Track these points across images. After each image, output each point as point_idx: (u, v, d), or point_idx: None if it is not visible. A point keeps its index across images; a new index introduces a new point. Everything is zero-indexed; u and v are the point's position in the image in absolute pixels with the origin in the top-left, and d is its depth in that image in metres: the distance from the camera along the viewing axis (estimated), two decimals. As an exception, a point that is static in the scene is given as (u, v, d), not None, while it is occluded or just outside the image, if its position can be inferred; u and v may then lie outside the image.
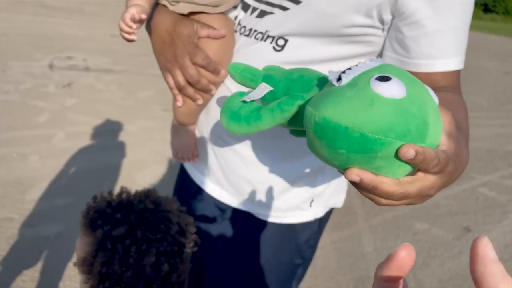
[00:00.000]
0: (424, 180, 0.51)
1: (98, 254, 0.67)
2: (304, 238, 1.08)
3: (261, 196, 1.00)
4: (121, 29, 0.81)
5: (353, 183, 0.50)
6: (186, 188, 1.15)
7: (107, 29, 8.31)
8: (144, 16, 0.80)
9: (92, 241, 0.68)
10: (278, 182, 0.98)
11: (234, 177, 1.00)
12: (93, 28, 8.45)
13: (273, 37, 0.86)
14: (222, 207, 1.05)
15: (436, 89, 0.63)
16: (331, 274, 2.29)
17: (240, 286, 1.10)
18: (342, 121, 0.44)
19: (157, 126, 3.89)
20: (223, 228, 1.07)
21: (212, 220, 1.09)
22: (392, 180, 0.49)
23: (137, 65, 5.94)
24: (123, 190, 0.76)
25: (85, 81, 4.99)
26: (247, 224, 1.03)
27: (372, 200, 0.55)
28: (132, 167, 3.16)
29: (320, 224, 1.10)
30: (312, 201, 1.04)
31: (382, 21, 0.80)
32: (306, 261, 1.15)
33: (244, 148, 0.96)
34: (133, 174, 3.05)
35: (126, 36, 0.82)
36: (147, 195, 0.76)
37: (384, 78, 0.46)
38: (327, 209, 1.09)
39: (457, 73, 0.82)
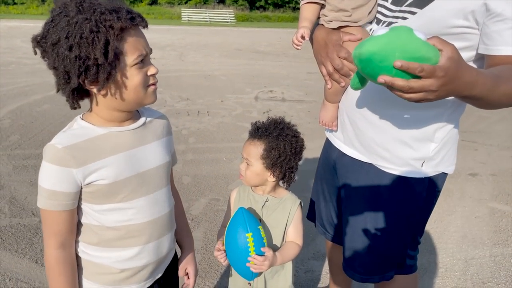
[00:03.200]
0: (424, 81, 0.91)
1: None
2: (416, 191, 1.40)
3: (383, 153, 1.39)
4: (293, 42, 1.39)
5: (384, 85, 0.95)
6: (329, 152, 1.61)
7: (304, 67, 9.44)
8: (307, 37, 1.38)
9: None
10: (397, 144, 1.36)
11: (365, 139, 1.41)
12: (293, 67, 9.71)
13: None
14: (355, 163, 1.47)
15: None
16: (482, 280, 2.32)
17: (368, 220, 1.48)
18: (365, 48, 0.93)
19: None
20: (356, 177, 1.48)
21: (347, 172, 1.52)
22: (402, 80, 0.91)
23: (325, 97, 6.65)
24: None
25: (281, 109, 5.93)
26: (373, 173, 1.43)
27: (400, 96, 0.96)
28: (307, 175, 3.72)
29: (430, 182, 1.40)
30: (424, 162, 1.37)
31: (477, 22, 1.15)
32: (418, 211, 1.44)
33: (373, 117, 1.37)
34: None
35: (295, 47, 1.40)
36: None
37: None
38: (437, 173, 1.39)
39: None
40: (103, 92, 0.96)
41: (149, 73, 0.99)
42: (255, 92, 7.02)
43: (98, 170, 1.00)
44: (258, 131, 1.35)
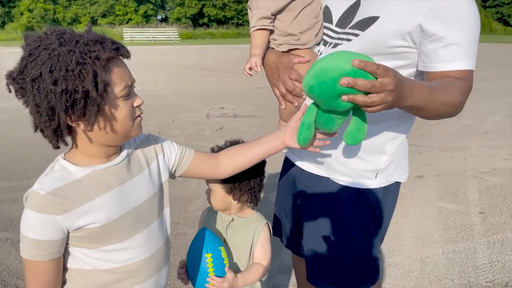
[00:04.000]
0: (383, 79, 0.97)
1: None
2: (372, 201, 1.47)
3: (339, 167, 1.45)
4: (244, 70, 1.45)
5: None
6: (288, 168, 1.66)
7: (253, 83, 9.56)
8: (259, 68, 1.42)
9: None
10: (350, 158, 1.42)
11: (320, 154, 1.47)
12: (242, 83, 9.82)
13: None
14: (313, 178, 1.53)
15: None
16: (438, 277, 2.46)
17: (329, 233, 1.52)
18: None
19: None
20: (315, 191, 1.53)
21: (306, 187, 1.57)
22: (365, 79, 0.96)
23: (276, 111, 6.75)
24: None
25: (233, 125, 5.98)
26: (330, 187, 1.48)
27: (363, 104, 1.00)
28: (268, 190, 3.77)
29: (385, 192, 1.48)
30: (377, 173, 1.44)
31: (414, 42, 1.24)
32: (376, 220, 1.51)
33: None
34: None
35: (246, 75, 1.45)
36: None
37: None
38: (390, 183, 1.47)
39: (466, 72, 1.20)
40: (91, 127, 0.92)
41: (135, 104, 0.97)
42: (206, 110, 7.02)
43: (87, 214, 0.94)
44: None
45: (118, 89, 0.91)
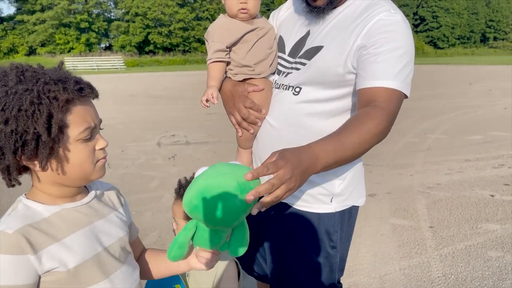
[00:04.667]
0: (278, 174, 0.95)
1: None
2: (329, 225, 1.49)
3: (296, 193, 1.45)
4: (201, 101, 1.47)
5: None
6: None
7: (202, 109, 9.53)
8: (216, 100, 1.45)
9: None
10: (306, 183, 1.44)
11: None
12: (192, 109, 9.77)
13: (293, 86, 1.40)
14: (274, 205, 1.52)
15: (364, 104, 1.18)
16: (398, 295, 2.51)
17: (290, 258, 1.52)
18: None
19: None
20: (275, 217, 1.53)
21: (267, 213, 1.56)
22: (264, 184, 0.94)
23: (228, 136, 6.80)
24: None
25: (186, 153, 5.90)
26: (289, 212, 1.49)
27: (270, 204, 0.98)
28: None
29: (342, 216, 1.50)
30: (332, 197, 1.46)
31: (354, 67, 1.28)
32: (334, 244, 1.52)
33: None
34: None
35: (203, 107, 1.48)
36: None
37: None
38: (347, 207, 1.50)
39: (391, 91, 1.21)
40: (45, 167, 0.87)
41: (97, 147, 0.92)
42: (156, 138, 6.89)
43: (58, 254, 0.87)
44: (181, 190, 1.34)
45: (76, 131, 0.87)
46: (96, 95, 0.92)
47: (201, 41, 44.97)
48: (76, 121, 0.87)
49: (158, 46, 44.18)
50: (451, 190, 4.27)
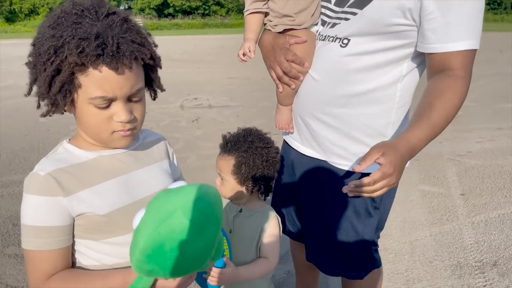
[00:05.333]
0: (383, 169, 1.02)
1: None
2: None
3: (338, 151, 1.40)
4: (238, 56, 1.41)
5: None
6: (287, 153, 1.61)
7: (225, 73, 9.44)
8: (253, 54, 1.39)
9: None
10: (350, 141, 1.38)
11: (319, 139, 1.42)
12: (213, 73, 9.66)
13: (340, 38, 1.31)
14: (312, 162, 1.48)
15: (437, 73, 1.14)
16: (429, 259, 2.48)
17: (328, 217, 1.48)
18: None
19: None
20: (314, 176, 1.49)
21: (306, 171, 1.52)
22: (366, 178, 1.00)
23: (251, 100, 6.73)
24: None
25: (209, 116, 5.86)
26: (330, 171, 1.44)
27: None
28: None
29: None
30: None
31: (414, 20, 1.18)
32: (377, 205, 1.47)
33: (324, 117, 1.38)
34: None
35: (241, 61, 1.43)
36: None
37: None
38: None
39: (466, 52, 1.14)
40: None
41: (115, 119, 0.86)
42: (179, 101, 6.86)
43: (90, 199, 0.87)
44: (227, 146, 1.30)
45: (88, 95, 0.82)
46: (129, 65, 0.82)
47: (221, 4, 44.12)
48: (89, 85, 0.81)
49: (177, 9, 43.49)
50: (482, 158, 4.15)
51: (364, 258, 1.56)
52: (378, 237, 1.63)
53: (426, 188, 3.47)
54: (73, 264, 0.92)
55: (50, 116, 0.89)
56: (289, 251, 2.35)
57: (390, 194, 1.54)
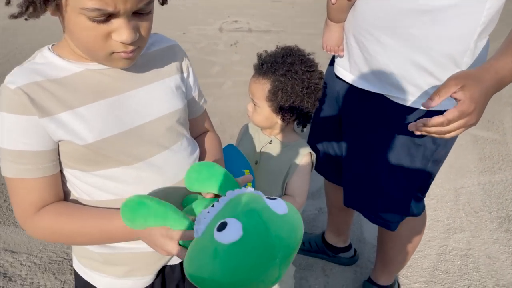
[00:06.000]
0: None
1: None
2: None
3: (397, 81, 1.18)
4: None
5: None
6: (332, 83, 1.39)
7: (268, -5, 8.88)
8: None
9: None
10: (414, 70, 1.14)
11: (375, 65, 1.19)
12: (256, -5, 9.13)
13: None
14: (362, 94, 1.26)
15: None
16: (474, 209, 2.29)
17: (375, 159, 1.30)
18: (201, 274, 0.55)
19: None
20: (364, 111, 1.28)
21: (353, 105, 1.31)
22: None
23: (293, 26, 6.31)
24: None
25: (248, 40, 5.56)
26: (383, 105, 1.23)
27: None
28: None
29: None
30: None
31: None
32: (435, 150, 1.27)
33: (386, 37, 1.14)
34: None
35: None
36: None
37: (221, 227, 0.54)
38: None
39: None
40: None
41: (115, 37, 0.66)
42: (218, 23, 6.53)
43: (72, 124, 0.70)
44: (263, 67, 1.10)
45: (80, 3, 0.61)
46: None
47: None
48: None
49: None
50: (546, 105, 3.73)
51: (410, 208, 1.40)
52: (428, 187, 1.44)
53: (478, 133, 3.17)
54: (66, 195, 0.79)
55: (27, 20, 0.67)
56: (322, 187, 2.21)
57: (453, 138, 1.32)
